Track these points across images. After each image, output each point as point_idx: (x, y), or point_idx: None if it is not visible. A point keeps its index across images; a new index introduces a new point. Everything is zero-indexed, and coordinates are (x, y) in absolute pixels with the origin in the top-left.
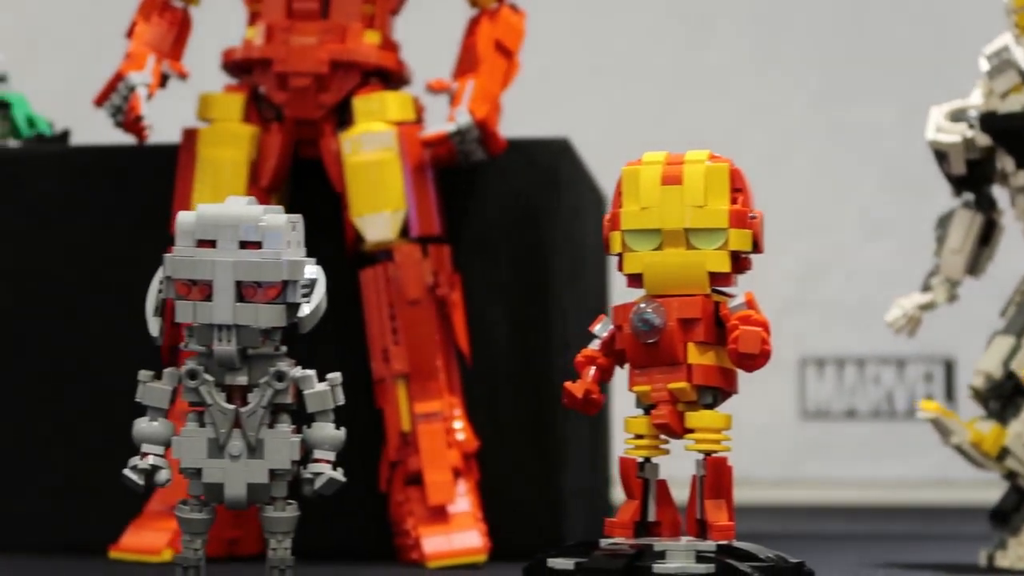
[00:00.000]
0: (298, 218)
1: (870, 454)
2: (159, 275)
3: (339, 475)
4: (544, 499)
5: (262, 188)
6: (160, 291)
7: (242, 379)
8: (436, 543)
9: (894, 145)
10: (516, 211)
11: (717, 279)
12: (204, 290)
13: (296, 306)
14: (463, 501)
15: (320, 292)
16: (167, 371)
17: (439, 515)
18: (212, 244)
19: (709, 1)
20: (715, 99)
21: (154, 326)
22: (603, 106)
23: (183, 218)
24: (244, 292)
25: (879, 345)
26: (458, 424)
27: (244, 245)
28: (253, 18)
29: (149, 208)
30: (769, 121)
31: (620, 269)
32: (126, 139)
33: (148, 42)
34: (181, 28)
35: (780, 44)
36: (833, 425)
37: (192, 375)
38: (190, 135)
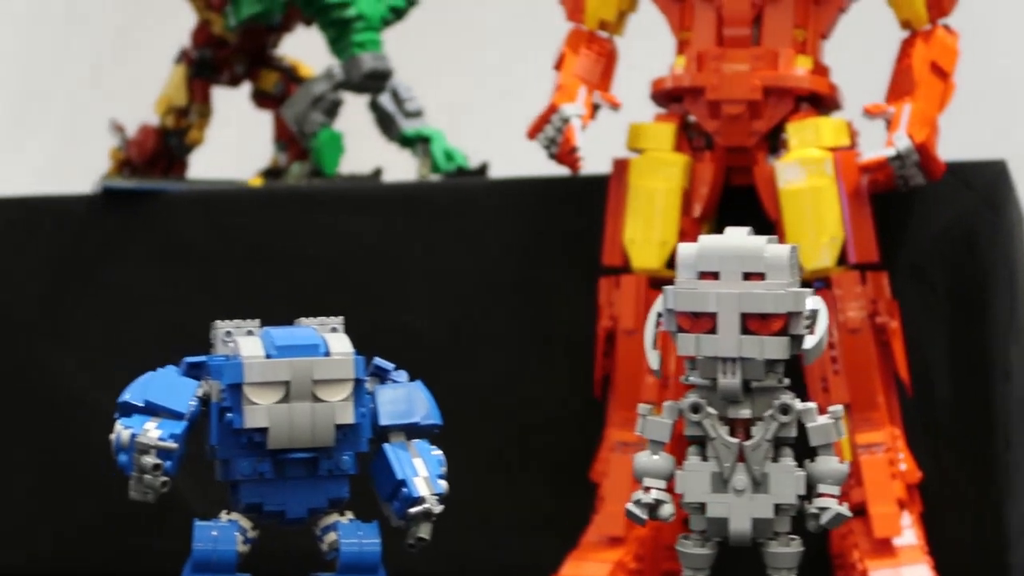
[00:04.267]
0: (796, 248)
1: None
2: (656, 308)
3: (845, 510)
4: (988, 531)
5: (694, 218)
6: (659, 324)
7: (745, 412)
8: None
9: None
10: (953, 235)
11: None
12: (708, 323)
13: (799, 338)
14: (909, 533)
15: (823, 324)
16: (667, 404)
17: (885, 548)
18: (714, 276)
19: None
20: None
21: (654, 359)
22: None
23: (684, 250)
24: (748, 324)
25: None
26: (900, 455)
27: (747, 276)
28: (682, 46)
29: (576, 239)
30: None
31: None
32: (545, 170)
33: (577, 73)
34: (608, 59)
35: None
36: None
37: (695, 409)
38: (621, 165)
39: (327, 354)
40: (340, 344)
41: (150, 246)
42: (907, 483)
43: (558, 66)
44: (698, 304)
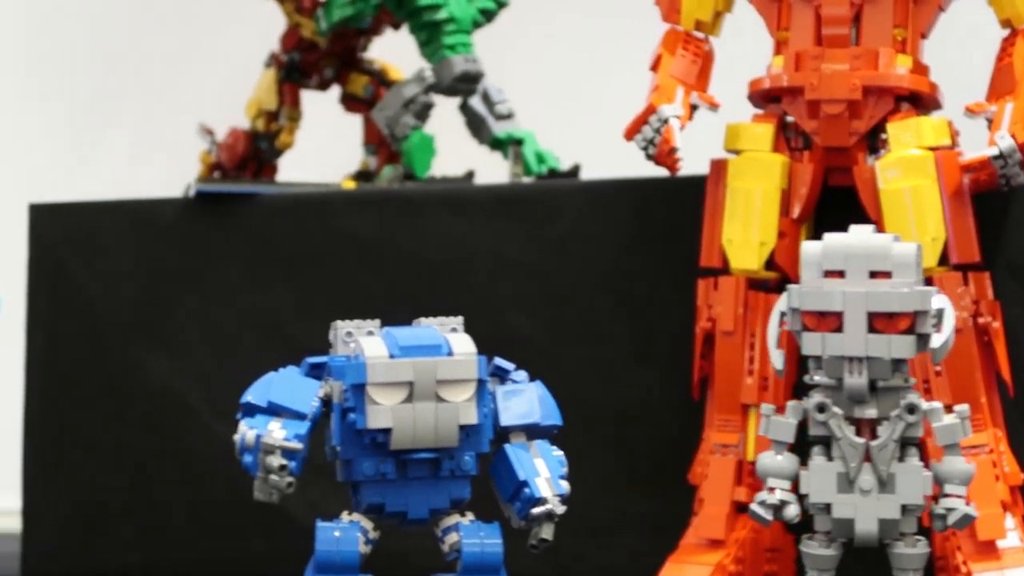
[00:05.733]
0: (921, 246)
1: None
2: (779, 306)
3: (972, 510)
4: None
5: (793, 219)
6: (782, 323)
7: (871, 412)
8: None
9: None
10: None
11: None
12: (833, 321)
13: (926, 337)
14: (1013, 536)
15: (950, 322)
16: (790, 404)
17: (989, 550)
18: (840, 274)
19: None
20: None
21: (777, 359)
22: None
23: (808, 248)
24: (875, 323)
25: None
26: (1003, 456)
27: (874, 275)
28: (779, 47)
29: (671, 241)
30: None
31: None
32: (635, 171)
33: (674, 74)
34: (705, 59)
35: None
36: None
37: (821, 408)
38: (719, 166)
39: (450, 354)
40: (463, 344)
41: (243, 249)
42: (1010, 485)
43: (654, 67)
44: (824, 303)
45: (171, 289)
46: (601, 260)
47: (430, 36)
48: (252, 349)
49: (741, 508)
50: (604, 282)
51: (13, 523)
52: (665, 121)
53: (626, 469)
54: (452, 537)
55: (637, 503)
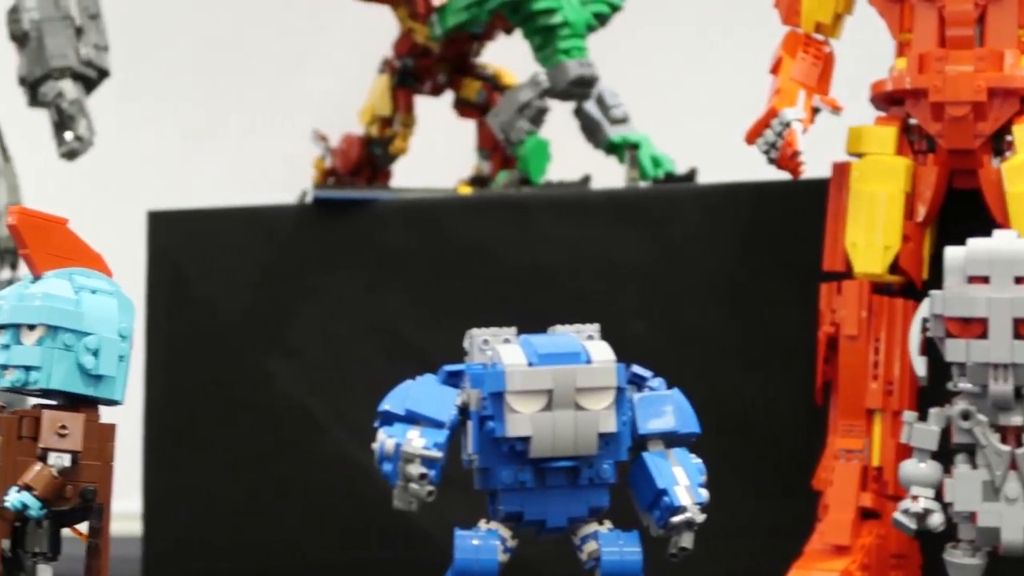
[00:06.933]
0: None
1: None
2: (921, 312)
3: None
4: None
5: (917, 222)
6: (924, 329)
7: (1017, 419)
8: None
9: None
10: None
11: None
12: (978, 328)
13: None
14: None
15: None
16: (933, 411)
17: None
18: (984, 280)
19: None
20: None
21: (920, 366)
22: None
23: (952, 254)
24: (1021, 329)
25: None
26: None
27: (1019, 280)
28: (902, 48)
29: (790, 244)
30: None
31: None
32: (754, 174)
33: (795, 77)
34: (826, 62)
35: None
36: None
37: (965, 415)
38: (841, 169)
39: (589, 362)
40: (601, 352)
41: (360, 254)
42: None
43: (774, 70)
44: (968, 309)
45: (288, 295)
46: (719, 265)
47: (544, 40)
48: (368, 354)
49: (866, 514)
50: (722, 287)
51: (134, 527)
52: (787, 124)
53: (750, 475)
54: (591, 546)
55: (761, 509)
